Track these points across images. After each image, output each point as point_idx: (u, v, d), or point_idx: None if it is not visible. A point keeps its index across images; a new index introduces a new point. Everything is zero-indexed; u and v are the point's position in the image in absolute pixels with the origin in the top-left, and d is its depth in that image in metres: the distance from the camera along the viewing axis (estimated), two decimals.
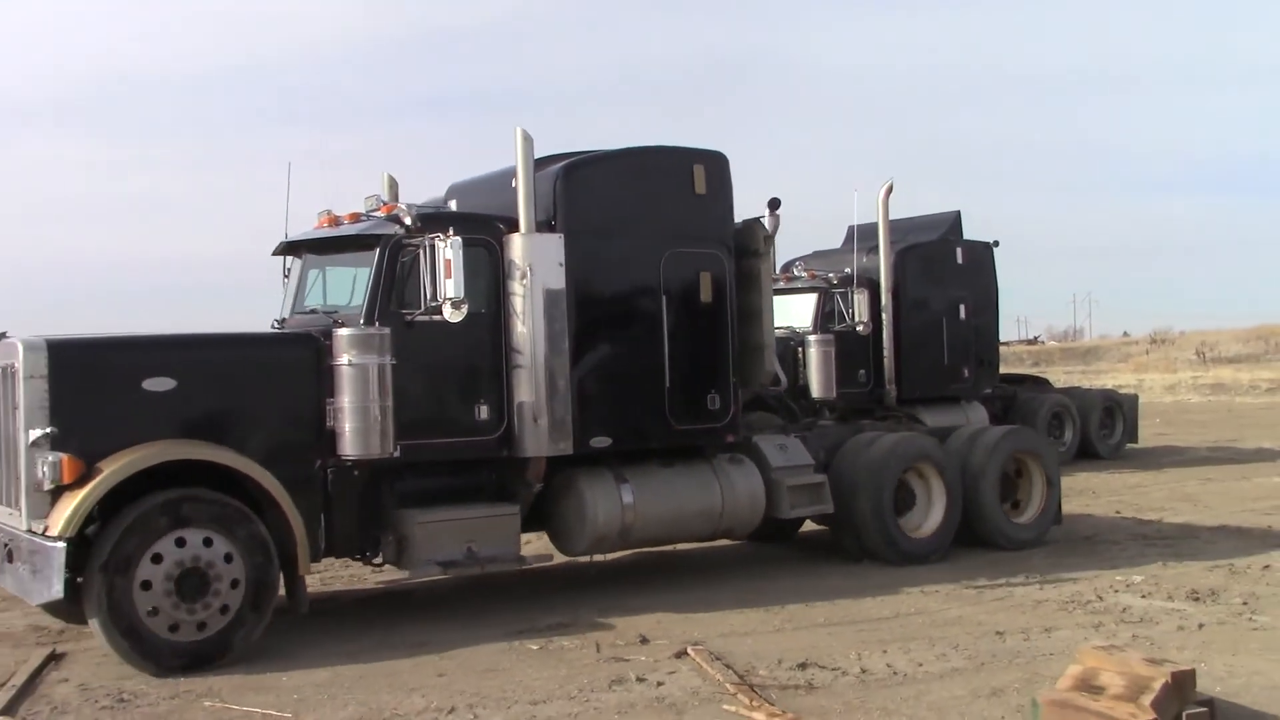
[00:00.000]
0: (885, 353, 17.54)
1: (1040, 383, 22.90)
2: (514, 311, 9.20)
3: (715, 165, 10.31)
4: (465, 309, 8.56)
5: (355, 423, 8.42)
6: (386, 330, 8.58)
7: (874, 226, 17.37)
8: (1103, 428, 20.95)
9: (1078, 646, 7.05)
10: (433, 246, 8.61)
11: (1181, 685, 5.87)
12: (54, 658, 8.20)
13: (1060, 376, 35.51)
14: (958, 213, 20.07)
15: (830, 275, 18.13)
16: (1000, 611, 8.90)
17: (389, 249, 8.90)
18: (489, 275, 9.20)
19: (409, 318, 8.81)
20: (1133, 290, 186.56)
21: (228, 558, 7.85)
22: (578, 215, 9.53)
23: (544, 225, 9.35)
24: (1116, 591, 9.47)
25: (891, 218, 17.52)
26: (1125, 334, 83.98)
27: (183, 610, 7.68)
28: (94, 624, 7.65)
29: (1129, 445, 21.38)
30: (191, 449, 8.04)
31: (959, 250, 19.05)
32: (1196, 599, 9.09)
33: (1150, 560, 10.76)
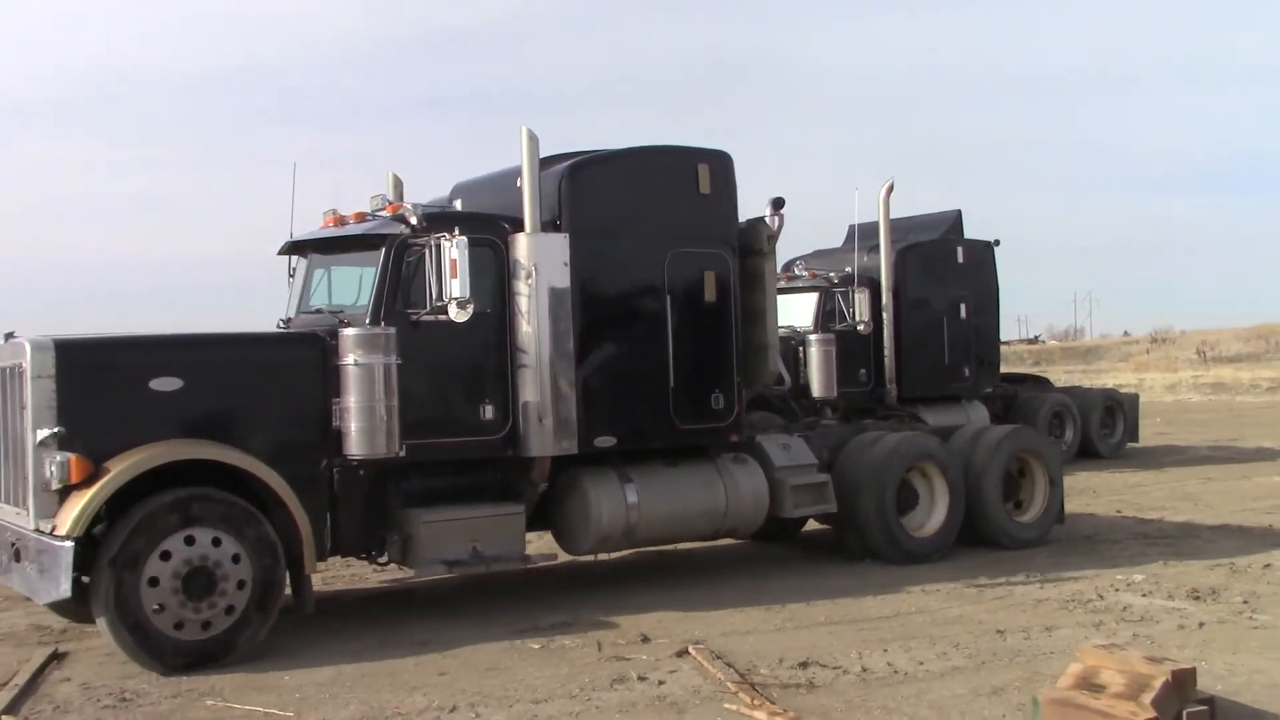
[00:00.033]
0: (886, 352, 17.55)
1: (1041, 382, 22.92)
2: (519, 311, 9.24)
3: (720, 165, 10.34)
4: (471, 309, 8.59)
5: (361, 422, 8.46)
6: (392, 330, 8.61)
7: (875, 226, 17.38)
8: (1103, 427, 20.99)
9: (1078, 645, 7.08)
10: (438, 246, 8.64)
11: (1182, 684, 5.89)
12: (56, 657, 8.23)
13: (1061, 376, 35.53)
14: (958, 212, 20.10)
15: (831, 274, 18.16)
16: (1001, 610, 8.94)
17: (395, 249, 8.94)
18: (494, 275, 9.23)
19: (414, 317, 8.85)
20: (1133, 290, 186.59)
21: (235, 558, 7.89)
22: (583, 215, 9.56)
23: (549, 225, 9.38)
24: (1117, 590, 9.50)
25: (892, 217, 17.53)
26: (1126, 333, 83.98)
27: (188, 609, 7.71)
28: (100, 619, 7.69)
29: (1130, 444, 21.42)
30: (198, 448, 8.08)
31: (960, 249, 19.07)
32: (1197, 598, 9.12)
33: (1151, 559, 10.80)
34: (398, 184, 11.03)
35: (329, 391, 8.57)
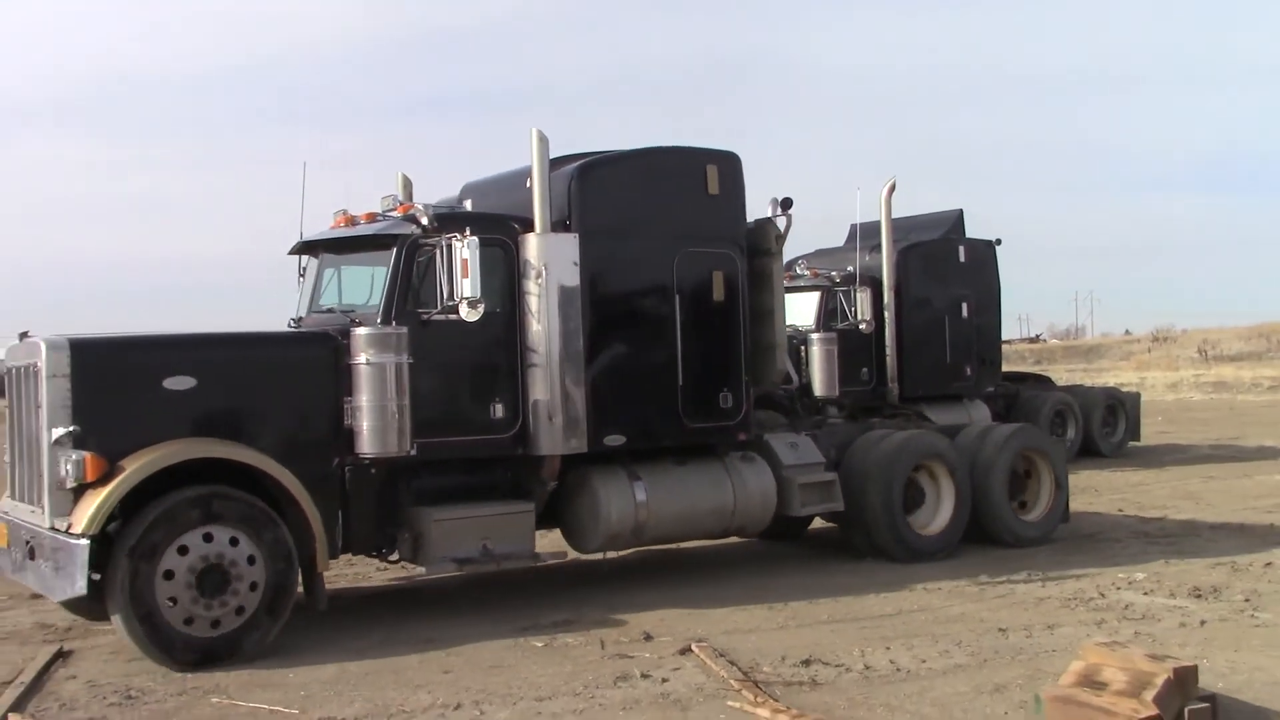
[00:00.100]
0: (888, 351, 17.56)
1: (1043, 381, 22.93)
2: (529, 310, 9.30)
3: (728, 165, 10.39)
4: (481, 308, 8.65)
5: (373, 421, 8.52)
6: (404, 329, 8.68)
7: (876, 225, 17.37)
8: (1105, 426, 21.03)
9: (1080, 643, 7.12)
10: (449, 246, 8.71)
11: (1184, 681, 5.92)
12: (62, 655, 8.26)
13: (1062, 375, 35.49)
14: (960, 211, 20.13)
15: (833, 273, 18.20)
16: (1003, 608, 8.98)
17: (406, 249, 9.00)
18: (504, 274, 9.29)
19: (425, 317, 8.90)
20: (1134, 289, 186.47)
21: (251, 560, 7.95)
22: (592, 215, 9.62)
23: (559, 225, 9.44)
24: (1119, 589, 9.55)
25: (894, 216, 17.55)
26: (1127, 332, 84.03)
27: (200, 605, 7.78)
28: (113, 611, 7.74)
29: (1131, 443, 21.46)
30: (213, 447, 8.14)
31: (961, 249, 19.10)
32: (1198, 596, 9.17)
33: (1152, 557, 10.85)
34: (407, 184, 11.10)
35: (341, 390, 8.63)
